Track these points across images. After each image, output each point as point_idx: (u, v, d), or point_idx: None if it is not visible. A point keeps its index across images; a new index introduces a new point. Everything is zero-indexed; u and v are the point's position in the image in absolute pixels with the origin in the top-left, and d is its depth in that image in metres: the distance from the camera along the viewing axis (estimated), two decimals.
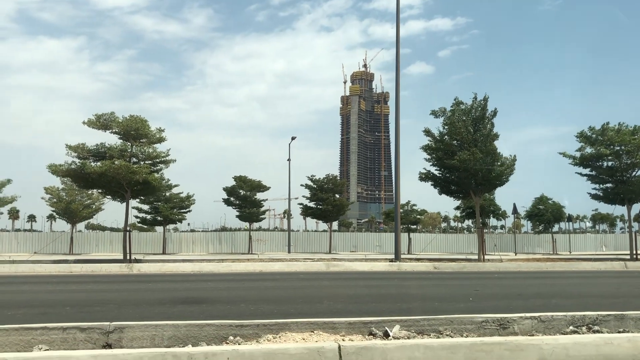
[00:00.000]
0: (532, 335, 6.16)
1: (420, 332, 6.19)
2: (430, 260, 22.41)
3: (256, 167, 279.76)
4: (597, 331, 6.39)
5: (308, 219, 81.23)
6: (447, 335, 6.12)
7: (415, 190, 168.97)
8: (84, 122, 21.99)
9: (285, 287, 13.27)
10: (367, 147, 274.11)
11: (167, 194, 33.70)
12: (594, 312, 6.90)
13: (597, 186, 26.41)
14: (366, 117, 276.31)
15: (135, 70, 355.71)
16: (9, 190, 31.86)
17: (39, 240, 36.84)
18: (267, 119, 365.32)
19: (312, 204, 38.01)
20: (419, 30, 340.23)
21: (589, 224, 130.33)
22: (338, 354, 4.90)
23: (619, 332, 6.33)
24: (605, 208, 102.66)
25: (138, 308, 8.73)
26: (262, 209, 38.66)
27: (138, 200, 30.73)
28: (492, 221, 77.60)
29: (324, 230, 51.66)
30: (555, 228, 47.93)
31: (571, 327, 6.49)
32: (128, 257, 21.61)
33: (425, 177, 24.60)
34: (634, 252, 25.15)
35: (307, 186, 37.72)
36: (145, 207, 34.85)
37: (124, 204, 23.31)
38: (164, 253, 33.70)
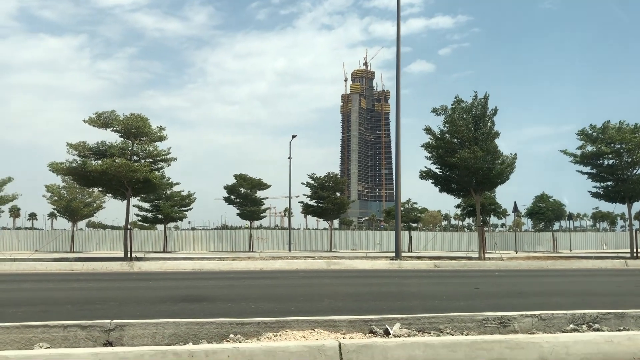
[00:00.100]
0: (533, 333, 6.15)
1: (421, 330, 6.19)
2: (430, 258, 22.40)
3: (257, 165, 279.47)
4: (598, 329, 6.39)
5: (309, 217, 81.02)
6: (447, 333, 6.12)
7: (416, 189, 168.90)
8: (84, 121, 22.03)
9: (285, 285, 13.28)
10: (367, 145, 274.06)
11: (168, 192, 33.80)
12: (594, 310, 6.90)
13: (597, 184, 26.37)
14: (367, 115, 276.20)
15: (136, 69, 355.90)
16: (10, 189, 31.96)
17: (40, 238, 36.86)
18: (268, 117, 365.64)
19: (312, 202, 38.05)
20: (419, 29, 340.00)
21: (589, 222, 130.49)
22: (338, 351, 4.90)
23: (620, 330, 6.34)
24: (605, 206, 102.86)
25: (139, 306, 8.74)
26: (263, 207, 38.74)
27: (139, 198, 30.75)
28: (493, 219, 77.68)
29: (325, 229, 51.61)
30: (556, 226, 48.07)
31: (571, 325, 6.49)
32: (129, 255, 21.62)
33: (425, 175, 24.61)
34: (635, 250, 25.13)
35: (307, 184, 37.78)
36: (146, 205, 34.94)
37: (125, 202, 23.34)
38: (164, 251, 33.70)
